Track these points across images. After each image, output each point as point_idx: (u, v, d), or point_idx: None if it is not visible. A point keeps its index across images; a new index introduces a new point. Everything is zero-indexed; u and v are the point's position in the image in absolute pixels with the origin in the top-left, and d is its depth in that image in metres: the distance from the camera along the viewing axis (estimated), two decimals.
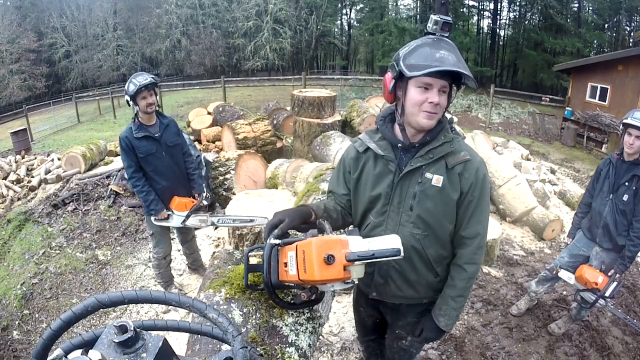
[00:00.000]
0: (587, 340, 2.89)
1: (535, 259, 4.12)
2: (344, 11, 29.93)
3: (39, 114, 15.25)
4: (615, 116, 9.73)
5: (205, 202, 3.11)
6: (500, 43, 25.65)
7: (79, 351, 0.61)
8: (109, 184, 5.17)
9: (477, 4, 24.97)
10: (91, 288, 3.80)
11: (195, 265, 3.59)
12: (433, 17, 1.24)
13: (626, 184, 2.44)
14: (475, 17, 26.16)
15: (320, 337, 2.12)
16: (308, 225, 1.32)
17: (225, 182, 4.49)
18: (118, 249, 4.32)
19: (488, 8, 24.93)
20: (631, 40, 19.75)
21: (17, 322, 3.48)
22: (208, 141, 6.71)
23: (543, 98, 14.05)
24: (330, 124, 5.46)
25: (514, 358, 2.70)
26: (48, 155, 7.74)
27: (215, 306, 1.09)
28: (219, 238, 4.23)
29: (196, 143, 5.78)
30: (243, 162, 4.65)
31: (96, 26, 25.55)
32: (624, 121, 2.36)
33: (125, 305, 1.99)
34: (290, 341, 1.20)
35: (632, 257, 2.49)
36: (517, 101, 14.74)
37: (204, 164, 4.52)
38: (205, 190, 3.22)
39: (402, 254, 1.05)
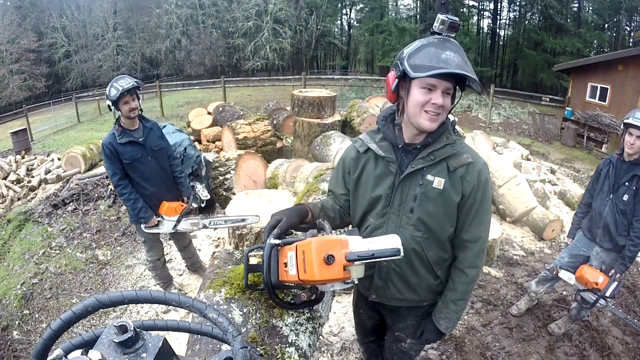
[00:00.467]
0: (587, 340, 2.89)
1: (535, 259, 4.12)
2: (344, 11, 29.94)
3: (39, 114, 15.24)
4: (615, 116, 9.73)
5: (194, 205, 3.07)
6: (500, 43, 25.66)
7: (79, 351, 0.61)
8: (109, 184, 5.17)
9: (477, 4, 24.99)
10: (91, 288, 3.80)
11: (194, 267, 3.57)
12: (440, 16, 1.20)
13: (626, 183, 2.44)
14: (475, 17, 26.19)
15: (320, 337, 2.12)
16: (306, 224, 1.33)
17: (225, 182, 4.49)
18: (118, 249, 4.32)
19: (488, 8, 24.96)
20: (631, 40, 19.75)
21: (17, 322, 3.48)
22: (208, 141, 6.70)
23: (543, 98, 14.04)
24: (330, 124, 5.46)
25: (514, 358, 2.70)
26: (48, 155, 7.75)
27: (215, 306, 1.09)
28: (219, 238, 4.23)
29: (196, 143, 5.78)
30: (243, 162, 4.65)
31: (96, 26, 25.54)
32: (625, 121, 2.35)
33: (125, 305, 1.99)
34: (290, 341, 1.20)
35: (632, 257, 2.48)
36: (517, 101, 14.74)
37: (204, 164, 4.52)
38: (193, 192, 3.17)
39: (402, 253, 1.04)
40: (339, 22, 30.34)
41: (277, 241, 1.13)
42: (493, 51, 25.60)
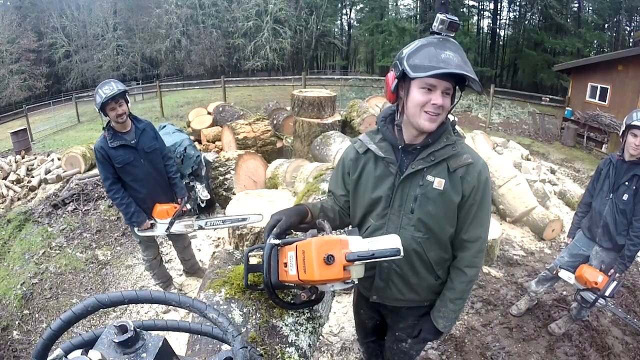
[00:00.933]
0: (587, 340, 2.89)
1: (535, 259, 4.12)
2: (344, 11, 29.95)
3: (39, 114, 15.24)
4: (615, 116, 9.73)
5: (188, 206, 3.05)
6: (500, 43, 25.67)
7: (79, 351, 0.61)
8: None
9: (477, 4, 24.99)
10: (91, 288, 3.80)
11: (193, 269, 3.56)
12: (440, 16, 1.19)
13: (626, 183, 2.44)
14: (475, 17, 26.19)
15: (320, 337, 2.12)
16: (306, 224, 1.33)
17: (225, 182, 4.49)
18: (118, 249, 4.32)
19: (488, 8, 24.97)
20: (631, 40, 19.74)
21: (17, 322, 3.48)
22: (208, 141, 6.71)
23: (543, 98, 14.04)
24: (330, 124, 5.46)
25: (514, 358, 2.70)
26: (48, 155, 7.75)
27: (215, 306, 1.09)
28: (219, 238, 4.23)
29: (196, 143, 5.78)
30: (243, 162, 4.65)
31: (96, 26, 25.54)
32: (629, 123, 2.32)
33: (125, 305, 1.99)
34: (290, 341, 1.20)
35: (632, 257, 2.48)
36: (517, 101, 14.73)
37: (204, 164, 4.52)
38: (188, 193, 3.14)
39: (402, 253, 1.04)
40: (339, 22, 30.36)
41: (277, 241, 1.13)
42: (493, 51, 25.61)
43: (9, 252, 4.50)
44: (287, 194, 4.00)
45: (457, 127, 1.41)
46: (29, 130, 10.62)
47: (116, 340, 0.56)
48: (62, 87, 24.84)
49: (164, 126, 4.43)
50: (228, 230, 3.61)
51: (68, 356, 0.61)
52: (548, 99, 13.89)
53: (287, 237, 1.22)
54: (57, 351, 0.60)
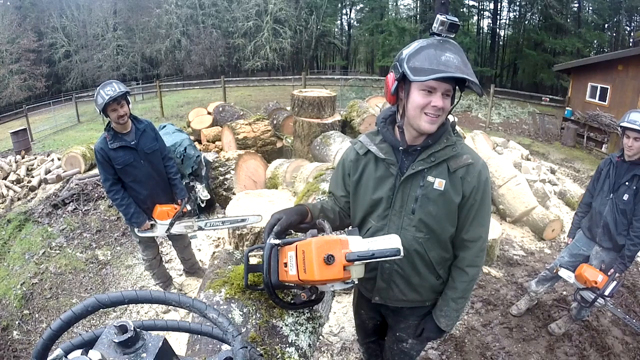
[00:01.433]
0: (587, 340, 2.89)
1: (535, 259, 4.12)
2: (344, 11, 29.92)
3: (39, 114, 15.24)
4: (615, 116, 9.73)
5: (188, 207, 3.05)
6: (500, 43, 25.65)
7: (79, 351, 0.61)
8: None
9: (477, 4, 24.98)
10: (91, 288, 3.80)
11: (192, 269, 3.56)
12: (439, 17, 1.18)
13: (626, 183, 2.45)
14: (475, 17, 26.17)
15: (320, 337, 2.12)
16: (306, 224, 1.33)
17: (225, 182, 4.49)
18: (118, 249, 4.32)
19: (488, 8, 24.95)
20: (631, 40, 19.76)
21: (17, 322, 3.48)
22: (208, 141, 6.71)
23: (543, 98, 14.03)
24: (330, 124, 5.46)
25: (514, 358, 2.70)
26: (48, 155, 7.75)
27: (215, 306, 1.09)
28: (219, 238, 4.23)
29: (196, 143, 5.78)
30: (243, 162, 4.66)
31: (96, 26, 25.53)
32: (620, 124, 2.38)
33: (125, 305, 1.99)
34: (290, 341, 1.20)
35: (632, 257, 2.49)
36: (517, 101, 14.73)
37: (204, 164, 4.52)
38: (188, 194, 3.13)
39: (402, 253, 1.04)
40: (339, 22, 30.34)
41: (277, 241, 1.14)
42: (493, 51, 25.59)
43: (9, 252, 4.50)
44: (287, 194, 4.00)
45: (457, 127, 1.42)
46: (29, 130, 10.62)
47: (116, 340, 0.56)
48: (62, 87, 24.84)
49: (164, 126, 4.43)
50: (228, 231, 3.61)
51: (68, 356, 0.61)
52: (548, 99, 13.88)
53: (287, 237, 1.22)
54: (57, 351, 0.60)
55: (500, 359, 2.69)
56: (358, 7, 29.34)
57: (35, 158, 7.51)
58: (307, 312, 1.31)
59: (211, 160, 4.72)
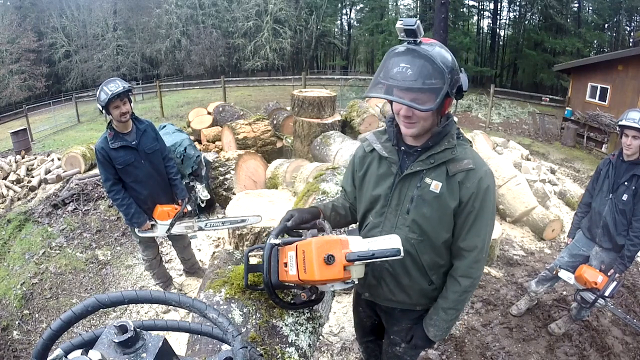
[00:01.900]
0: (587, 340, 2.89)
1: (535, 259, 4.12)
2: (344, 11, 29.90)
3: (39, 114, 15.23)
4: (615, 116, 9.72)
5: (189, 208, 3.05)
6: (500, 43, 25.63)
7: (79, 351, 0.61)
8: None
9: (477, 4, 24.95)
10: (91, 288, 3.80)
11: (192, 269, 3.56)
12: (398, 23, 1.12)
13: (626, 183, 2.45)
14: (475, 17, 26.15)
15: (320, 337, 2.12)
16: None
17: (225, 182, 4.49)
18: (118, 249, 4.32)
19: (488, 8, 24.92)
20: (631, 40, 19.75)
21: (17, 322, 3.48)
22: (208, 141, 6.71)
23: (543, 98, 14.03)
24: (330, 124, 5.46)
25: (514, 358, 2.70)
26: (48, 155, 7.75)
27: (215, 306, 1.09)
28: (219, 238, 4.23)
29: (196, 143, 5.78)
30: (243, 162, 4.65)
31: (96, 26, 25.52)
32: (619, 123, 2.37)
33: (125, 305, 1.99)
34: (290, 341, 1.20)
35: (631, 257, 2.49)
36: (517, 101, 14.73)
37: (204, 164, 4.52)
38: (188, 194, 3.13)
39: (402, 254, 1.05)
40: (339, 22, 30.32)
41: (277, 241, 1.14)
42: (493, 51, 25.58)
43: (9, 252, 4.50)
44: (287, 194, 4.00)
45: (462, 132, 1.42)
46: (29, 130, 10.62)
47: (116, 340, 0.56)
48: (62, 87, 24.83)
49: (164, 126, 4.43)
50: (228, 231, 3.61)
51: (68, 356, 0.61)
52: (548, 99, 13.88)
53: (288, 236, 1.23)
54: (57, 351, 0.60)
55: (500, 359, 2.69)
56: (358, 7, 29.32)
57: (35, 158, 7.52)
58: (307, 312, 1.31)
59: (211, 160, 4.72)
